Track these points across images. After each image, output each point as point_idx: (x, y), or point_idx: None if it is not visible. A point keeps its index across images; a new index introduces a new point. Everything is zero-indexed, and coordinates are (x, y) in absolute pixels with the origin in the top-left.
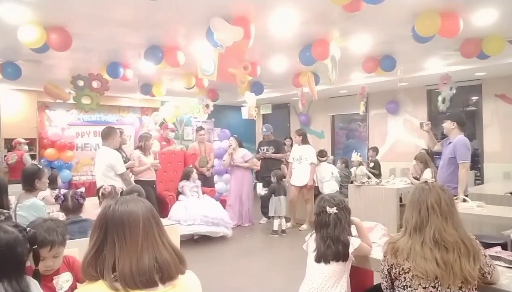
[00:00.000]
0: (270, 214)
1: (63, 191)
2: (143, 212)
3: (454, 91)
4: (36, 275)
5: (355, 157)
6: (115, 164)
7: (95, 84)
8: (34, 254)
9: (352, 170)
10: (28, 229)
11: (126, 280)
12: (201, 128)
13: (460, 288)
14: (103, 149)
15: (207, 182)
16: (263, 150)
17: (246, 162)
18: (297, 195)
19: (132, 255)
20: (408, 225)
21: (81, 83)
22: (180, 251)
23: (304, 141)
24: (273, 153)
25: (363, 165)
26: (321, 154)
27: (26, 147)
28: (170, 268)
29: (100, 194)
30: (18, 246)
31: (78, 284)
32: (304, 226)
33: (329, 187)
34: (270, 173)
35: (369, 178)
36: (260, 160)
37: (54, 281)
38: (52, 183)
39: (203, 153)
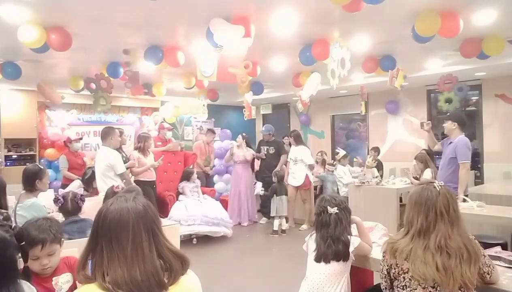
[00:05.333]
0: (272, 214)
1: (62, 193)
2: (133, 220)
3: (466, 93)
4: (27, 273)
5: (370, 163)
6: (115, 164)
7: (103, 84)
8: (22, 251)
9: (360, 169)
10: (14, 226)
11: (119, 286)
12: (213, 131)
13: (460, 288)
14: (103, 149)
15: (208, 181)
16: (264, 150)
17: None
18: (295, 195)
19: (122, 264)
20: (412, 227)
21: (93, 85)
22: (180, 254)
23: (298, 142)
24: (273, 153)
25: (373, 167)
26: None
27: (77, 145)
28: (160, 280)
29: (110, 192)
30: (7, 247)
31: (78, 284)
32: (304, 226)
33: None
34: (269, 173)
35: (375, 177)
36: (260, 160)
37: (53, 282)
38: (88, 185)
39: (208, 153)
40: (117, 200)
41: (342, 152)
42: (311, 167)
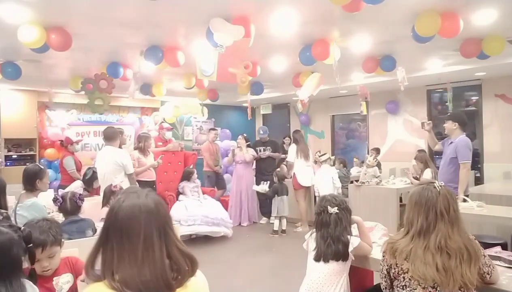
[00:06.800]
0: (273, 214)
1: (61, 193)
2: (145, 219)
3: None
4: (32, 274)
5: (372, 162)
6: (127, 164)
7: (102, 84)
8: (29, 253)
9: (361, 169)
10: (22, 228)
11: (128, 285)
12: (214, 129)
13: (460, 288)
14: (110, 149)
15: (219, 181)
16: (260, 150)
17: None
18: (295, 195)
19: (132, 264)
20: (412, 227)
21: (91, 86)
22: (189, 254)
23: (294, 141)
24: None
25: (374, 166)
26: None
27: (77, 147)
28: (168, 281)
29: (108, 191)
30: (13, 247)
31: (79, 284)
32: (299, 228)
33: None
34: (268, 173)
35: (376, 177)
36: (257, 160)
37: (54, 282)
38: (88, 185)
39: (215, 152)
40: (129, 197)
41: (325, 156)
42: (288, 165)
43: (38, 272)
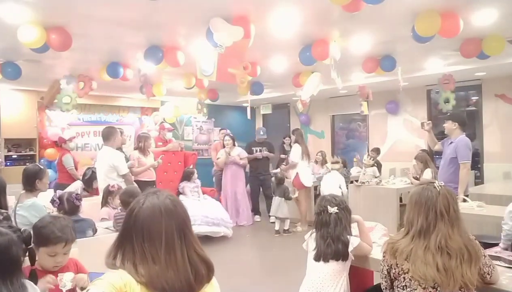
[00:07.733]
0: (270, 213)
1: (58, 194)
2: (166, 222)
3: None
4: (33, 275)
5: (367, 161)
6: (118, 165)
7: (80, 85)
8: (30, 254)
9: (361, 169)
10: (23, 229)
11: (153, 282)
12: (223, 129)
13: (460, 288)
14: (106, 149)
15: None
16: (256, 150)
17: (241, 159)
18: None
19: (156, 266)
20: (412, 227)
21: (68, 82)
22: (207, 259)
23: (297, 141)
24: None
25: (374, 166)
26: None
27: (72, 145)
28: (191, 283)
29: (106, 191)
30: (12, 247)
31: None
32: (299, 228)
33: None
34: (264, 173)
35: (376, 177)
36: (251, 161)
37: (58, 278)
38: (88, 185)
39: None
40: (149, 198)
41: (337, 165)
42: (291, 164)
43: (49, 267)
